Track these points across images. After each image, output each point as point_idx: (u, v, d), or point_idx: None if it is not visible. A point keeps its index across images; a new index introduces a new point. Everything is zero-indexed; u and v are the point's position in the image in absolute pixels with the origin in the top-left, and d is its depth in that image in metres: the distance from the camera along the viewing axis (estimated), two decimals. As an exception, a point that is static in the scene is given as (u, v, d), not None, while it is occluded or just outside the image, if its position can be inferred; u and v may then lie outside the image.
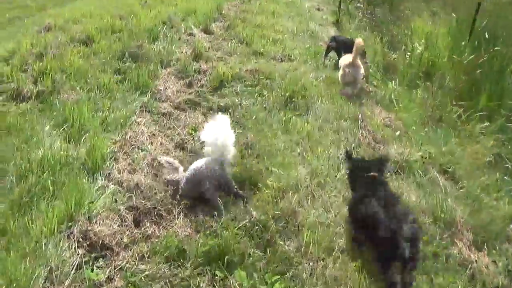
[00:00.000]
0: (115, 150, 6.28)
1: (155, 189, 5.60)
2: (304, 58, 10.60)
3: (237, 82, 8.89)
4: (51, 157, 5.77)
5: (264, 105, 8.07)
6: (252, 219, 5.18)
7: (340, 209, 5.61)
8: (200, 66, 9.35)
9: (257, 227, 5.12)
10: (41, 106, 7.33)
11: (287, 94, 8.26)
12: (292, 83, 8.67)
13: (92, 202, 5.17)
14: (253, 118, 7.52)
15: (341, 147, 6.88)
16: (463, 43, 10.10)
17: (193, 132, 7.17)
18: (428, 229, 5.58)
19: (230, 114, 7.64)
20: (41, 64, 8.46)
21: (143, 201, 5.37)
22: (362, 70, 8.89)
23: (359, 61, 8.84)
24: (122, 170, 5.93)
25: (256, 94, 8.51)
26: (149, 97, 7.94)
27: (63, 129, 6.62)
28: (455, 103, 8.71)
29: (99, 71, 8.56)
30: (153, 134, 6.97)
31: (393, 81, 9.62)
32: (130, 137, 6.70)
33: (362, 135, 7.46)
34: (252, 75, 9.17)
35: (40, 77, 8.10)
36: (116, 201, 5.32)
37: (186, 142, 6.84)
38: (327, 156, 6.58)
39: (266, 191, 5.70)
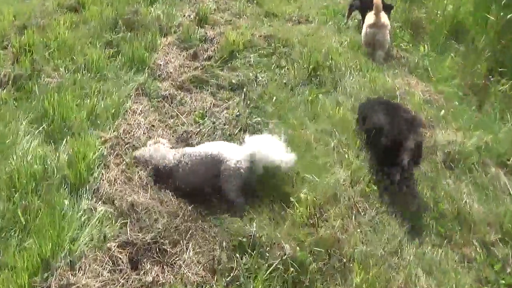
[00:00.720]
0: (105, 153, 4.91)
1: (156, 212, 4.22)
2: (323, 19, 8.99)
3: (250, 51, 7.37)
4: (25, 170, 4.42)
5: (284, 81, 6.64)
6: (285, 256, 3.80)
7: (393, 229, 4.33)
8: (206, 33, 7.79)
9: (292, 269, 3.77)
10: (18, 94, 5.88)
11: (310, 66, 6.79)
12: (315, 51, 7.19)
13: (75, 240, 3.84)
14: (273, 99, 6.11)
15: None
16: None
17: (200, 119, 5.78)
18: (498, 252, 4.33)
19: (244, 94, 6.25)
20: (22, 38, 6.96)
21: (140, 234, 3.99)
22: (387, 31, 7.49)
23: (383, 21, 7.44)
24: (113, 181, 4.56)
25: (274, 65, 7.04)
26: (146, 75, 6.48)
27: (42, 127, 5.22)
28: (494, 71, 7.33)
29: (88, 45, 7.02)
30: (152, 126, 5.58)
31: (424, 45, 8.13)
32: (124, 131, 5.33)
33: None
34: (267, 42, 7.64)
35: (19, 56, 6.59)
36: (105, 237, 3.95)
37: (191, 136, 5.47)
38: (368, 152, 5.21)
39: (300, 209, 4.35)
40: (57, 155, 4.73)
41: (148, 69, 6.66)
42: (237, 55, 7.25)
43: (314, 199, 4.43)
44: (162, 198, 4.45)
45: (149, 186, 4.60)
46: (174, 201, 4.44)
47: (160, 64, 6.82)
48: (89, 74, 6.32)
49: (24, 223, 3.94)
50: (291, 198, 4.47)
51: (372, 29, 7.42)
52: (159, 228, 4.05)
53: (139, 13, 7.97)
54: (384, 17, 7.48)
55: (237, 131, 5.54)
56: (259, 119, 5.65)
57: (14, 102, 5.72)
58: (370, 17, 7.51)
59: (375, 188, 4.72)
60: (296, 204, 4.39)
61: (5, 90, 5.94)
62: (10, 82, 6.06)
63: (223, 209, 4.51)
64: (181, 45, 7.44)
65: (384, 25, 7.41)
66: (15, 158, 4.63)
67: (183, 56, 7.20)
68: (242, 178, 4.58)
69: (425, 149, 5.14)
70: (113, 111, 5.58)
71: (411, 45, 8.32)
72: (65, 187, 4.38)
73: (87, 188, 4.41)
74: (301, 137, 5.33)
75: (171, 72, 6.68)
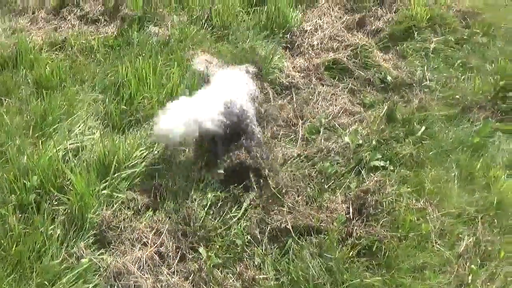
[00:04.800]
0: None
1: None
2: None
3: (435, 33, 5.06)
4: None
5: (458, 95, 4.31)
6: None
7: None
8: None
9: None
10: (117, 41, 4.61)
11: (499, 81, 4.35)
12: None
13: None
14: (423, 128, 3.92)
15: None
16: None
17: (309, 135, 3.94)
18: None
19: (389, 108, 4.16)
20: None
21: None
22: None
23: None
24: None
25: (458, 63, 4.72)
26: (276, 44, 4.73)
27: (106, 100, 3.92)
28: None
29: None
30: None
31: None
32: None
33: None
34: (464, 22, 5.27)
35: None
36: None
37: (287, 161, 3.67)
38: None
39: None
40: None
41: (287, 34, 4.91)
42: (415, 34, 5.06)
43: None
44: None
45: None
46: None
47: (306, 31, 4.97)
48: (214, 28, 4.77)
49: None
50: None
51: None
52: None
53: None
54: None
55: (344, 171, 3.63)
56: (382, 163, 3.65)
57: (108, 51, 4.47)
58: None
59: None
60: None
61: (115, 31, 4.71)
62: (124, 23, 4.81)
63: None
64: (348, 5, 5.45)
65: None
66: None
67: (344, 22, 5.19)
68: None
69: None
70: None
71: None
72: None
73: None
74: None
75: (312, 46, 4.81)
